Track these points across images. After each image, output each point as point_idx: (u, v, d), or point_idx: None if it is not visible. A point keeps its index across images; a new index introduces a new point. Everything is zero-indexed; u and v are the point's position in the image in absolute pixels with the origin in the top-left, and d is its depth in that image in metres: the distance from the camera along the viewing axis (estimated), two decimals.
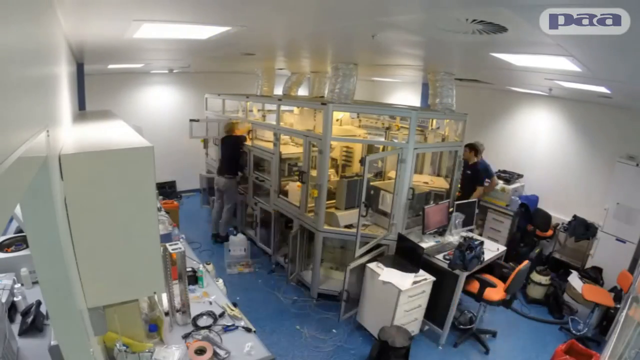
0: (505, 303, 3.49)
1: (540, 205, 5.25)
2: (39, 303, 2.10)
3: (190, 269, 2.62)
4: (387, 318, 3.22)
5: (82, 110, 3.78)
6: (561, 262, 4.83)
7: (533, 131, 5.57)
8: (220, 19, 2.13)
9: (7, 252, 2.48)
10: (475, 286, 3.43)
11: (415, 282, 3.24)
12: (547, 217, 5.03)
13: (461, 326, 3.66)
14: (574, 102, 5.03)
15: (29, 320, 2.01)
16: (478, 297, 3.43)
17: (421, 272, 3.39)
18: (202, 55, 4.24)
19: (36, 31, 0.96)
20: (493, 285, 3.43)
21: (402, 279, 3.23)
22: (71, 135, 1.67)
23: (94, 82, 4.92)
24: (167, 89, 7.11)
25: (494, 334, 3.67)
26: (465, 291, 3.46)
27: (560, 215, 5.02)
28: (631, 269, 3.95)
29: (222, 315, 2.33)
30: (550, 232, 5.00)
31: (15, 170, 0.57)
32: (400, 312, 3.20)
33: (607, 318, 3.82)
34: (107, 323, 1.70)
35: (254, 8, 1.82)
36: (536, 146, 5.54)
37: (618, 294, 3.86)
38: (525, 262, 3.44)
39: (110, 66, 5.19)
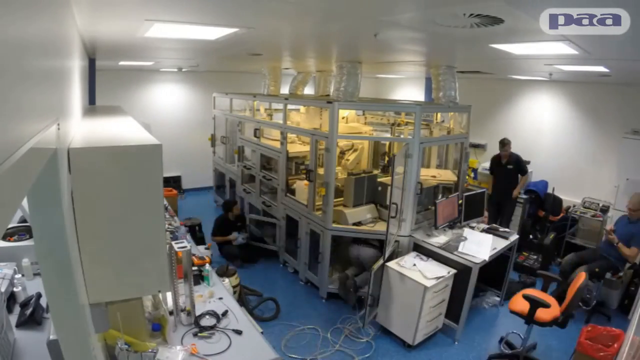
0: (559, 323, 2.94)
1: (550, 190, 5.19)
2: (39, 295, 2.07)
3: (196, 268, 2.60)
4: (414, 316, 3.15)
5: (92, 104, 3.81)
6: (575, 245, 4.65)
7: (537, 117, 5.57)
8: (229, 21, 2.16)
9: (9, 240, 2.46)
10: (523, 306, 2.96)
11: (439, 277, 3.18)
12: (558, 201, 4.96)
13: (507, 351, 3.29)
14: (575, 84, 5.06)
15: (28, 312, 1.97)
16: (528, 319, 2.96)
17: (443, 266, 3.35)
18: (210, 55, 4.27)
19: (52, 25, 0.96)
20: (546, 305, 2.87)
21: (426, 271, 3.22)
22: (80, 129, 1.67)
23: (105, 78, 4.94)
24: (176, 87, 7.15)
25: (534, 346, 3.34)
26: (512, 311, 3.08)
27: (571, 198, 4.96)
28: None
29: (224, 314, 2.29)
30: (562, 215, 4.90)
31: (26, 160, 0.57)
32: (426, 309, 3.14)
33: (628, 296, 3.71)
34: (109, 320, 1.68)
35: (261, 10, 1.85)
36: (541, 131, 5.53)
37: (637, 271, 3.75)
38: (582, 276, 2.96)
39: (121, 63, 5.22)
